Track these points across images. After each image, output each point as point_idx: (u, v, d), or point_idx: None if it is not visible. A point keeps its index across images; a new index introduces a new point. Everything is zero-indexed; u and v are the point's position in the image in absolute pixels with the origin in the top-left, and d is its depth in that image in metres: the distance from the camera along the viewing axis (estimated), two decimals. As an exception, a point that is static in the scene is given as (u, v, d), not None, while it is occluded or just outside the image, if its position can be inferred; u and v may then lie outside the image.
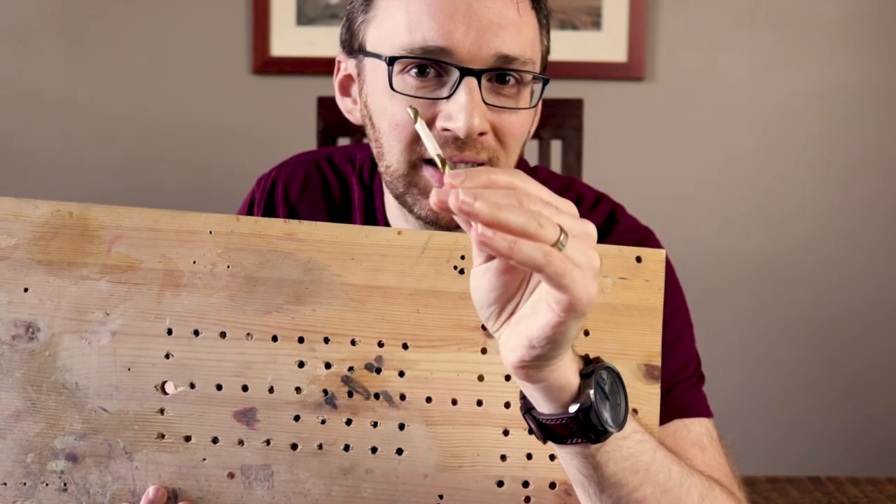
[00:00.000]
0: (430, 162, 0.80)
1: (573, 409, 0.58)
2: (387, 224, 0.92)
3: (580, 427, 0.58)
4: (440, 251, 0.74)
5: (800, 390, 2.06)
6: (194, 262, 0.72)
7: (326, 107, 1.27)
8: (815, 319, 2.06)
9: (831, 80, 2.00)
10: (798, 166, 2.02)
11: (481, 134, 0.78)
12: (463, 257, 0.74)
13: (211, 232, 0.73)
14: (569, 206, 0.54)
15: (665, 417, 0.80)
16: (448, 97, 0.77)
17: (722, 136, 2.00)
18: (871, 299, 2.05)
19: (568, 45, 1.91)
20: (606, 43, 1.92)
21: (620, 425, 0.60)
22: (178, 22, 1.91)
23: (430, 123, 0.78)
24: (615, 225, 0.92)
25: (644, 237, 0.92)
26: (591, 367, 0.59)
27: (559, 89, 1.87)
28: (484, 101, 0.78)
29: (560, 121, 1.31)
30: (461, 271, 0.74)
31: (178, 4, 1.90)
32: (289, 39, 1.88)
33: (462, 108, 0.76)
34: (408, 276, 0.73)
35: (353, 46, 0.84)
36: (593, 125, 1.50)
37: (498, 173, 0.52)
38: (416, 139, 0.79)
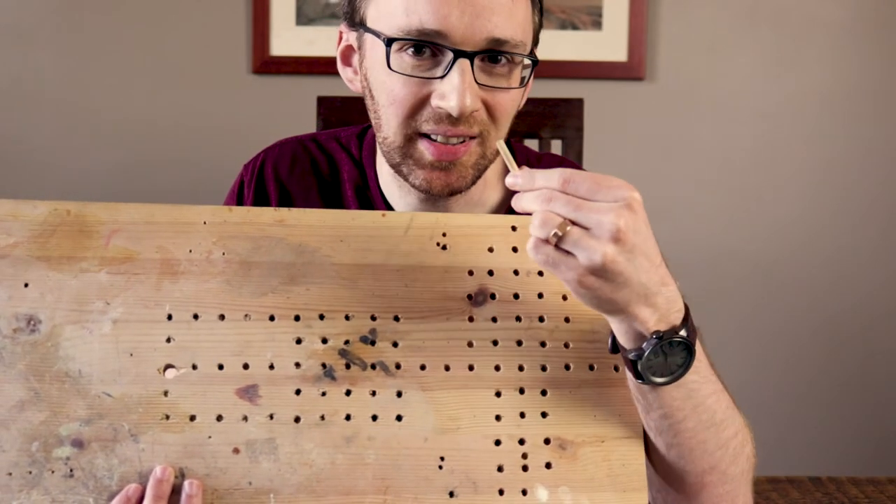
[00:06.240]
0: (425, 135, 0.85)
1: (631, 356, 0.71)
2: (381, 194, 0.96)
3: (634, 371, 0.71)
4: (423, 230, 0.79)
5: (800, 390, 2.04)
6: (190, 251, 0.76)
7: (326, 106, 1.28)
8: (814, 319, 2.06)
9: (831, 80, 2.01)
10: (798, 166, 2.02)
11: (473, 111, 0.83)
12: (444, 234, 0.79)
13: (205, 222, 0.76)
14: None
15: None
16: (442, 77, 0.82)
17: (722, 136, 2.00)
18: (871, 299, 2.06)
19: (568, 45, 1.94)
20: (606, 43, 1.95)
21: (667, 380, 0.71)
22: (178, 22, 1.92)
23: (425, 101, 0.83)
24: None
25: None
26: (663, 333, 0.70)
27: (559, 89, 1.88)
28: (476, 80, 0.82)
29: (560, 121, 1.31)
30: (444, 247, 0.78)
31: (178, 4, 1.92)
32: (288, 39, 1.92)
33: (455, 89, 0.80)
34: (394, 253, 0.78)
35: (354, 19, 0.89)
36: (593, 125, 1.49)
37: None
38: (412, 114, 0.84)
